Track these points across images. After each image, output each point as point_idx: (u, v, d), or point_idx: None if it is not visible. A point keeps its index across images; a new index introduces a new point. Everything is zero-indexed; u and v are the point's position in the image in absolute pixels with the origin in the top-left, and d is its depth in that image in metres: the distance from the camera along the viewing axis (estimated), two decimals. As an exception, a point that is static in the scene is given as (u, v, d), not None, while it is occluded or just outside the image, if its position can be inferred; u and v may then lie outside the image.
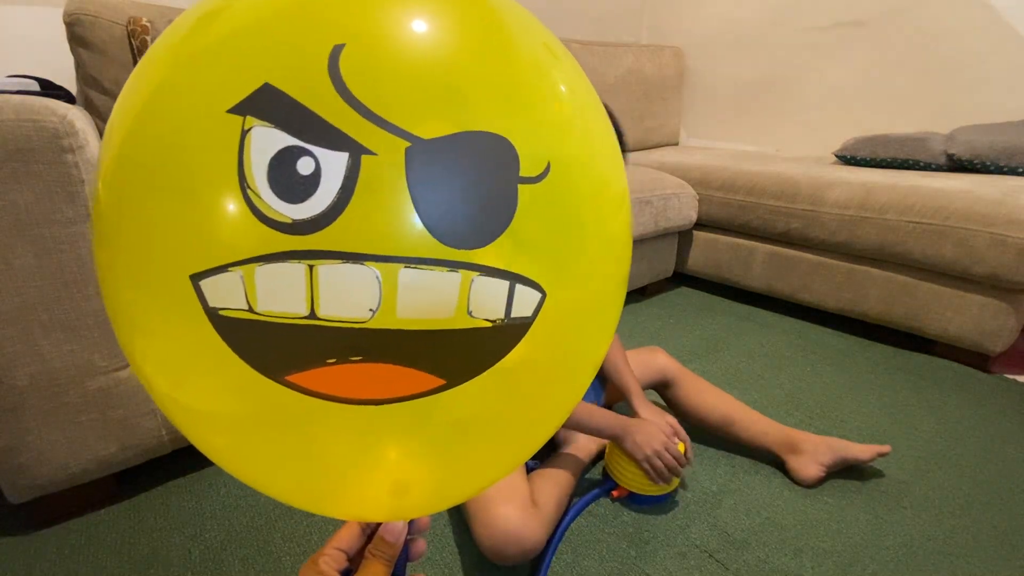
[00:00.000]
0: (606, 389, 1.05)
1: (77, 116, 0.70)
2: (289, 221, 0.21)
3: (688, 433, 0.86)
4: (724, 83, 2.32)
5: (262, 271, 0.22)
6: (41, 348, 0.71)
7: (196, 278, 0.22)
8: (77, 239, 0.70)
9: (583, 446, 0.92)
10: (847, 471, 0.92)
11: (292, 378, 0.23)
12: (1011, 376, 1.26)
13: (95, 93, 1.09)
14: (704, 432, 1.00)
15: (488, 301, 0.24)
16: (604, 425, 0.84)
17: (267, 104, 0.22)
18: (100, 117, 1.10)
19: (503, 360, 0.25)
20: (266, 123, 0.21)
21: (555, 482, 0.81)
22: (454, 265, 0.23)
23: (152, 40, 1.07)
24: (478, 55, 0.25)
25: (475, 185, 0.23)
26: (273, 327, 0.22)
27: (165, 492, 0.88)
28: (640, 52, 2.22)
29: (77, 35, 1.06)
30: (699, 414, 0.99)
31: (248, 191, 0.21)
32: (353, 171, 0.21)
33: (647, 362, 1.02)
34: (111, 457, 0.80)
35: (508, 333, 0.25)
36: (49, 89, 1.18)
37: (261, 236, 0.22)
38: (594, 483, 0.91)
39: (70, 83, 1.16)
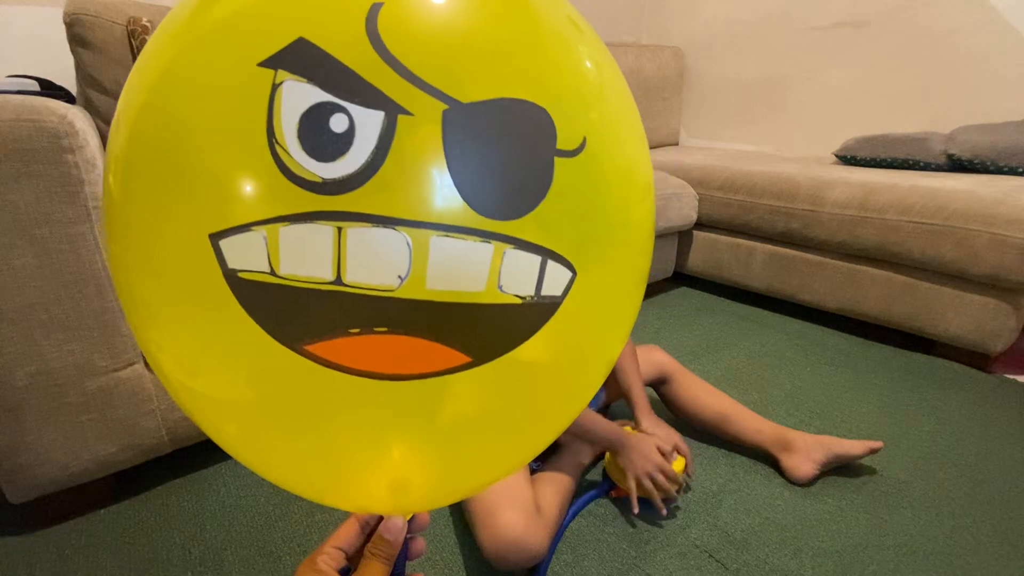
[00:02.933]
0: (607, 387, 1.05)
1: (77, 116, 0.70)
2: (319, 180, 0.20)
3: (684, 431, 0.86)
4: (724, 83, 2.32)
5: (287, 231, 0.21)
6: (41, 348, 0.71)
7: (216, 237, 0.21)
8: (77, 239, 0.70)
9: (584, 448, 0.92)
10: (846, 470, 0.92)
11: (312, 347, 0.22)
12: (1011, 376, 1.26)
13: (95, 93, 1.09)
14: (699, 430, 1.00)
15: (520, 276, 0.23)
16: (604, 435, 0.84)
17: (301, 58, 0.21)
18: (100, 117, 1.10)
19: (529, 340, 0.24)
20: (299, 78, 0.20)
21: (557, 487, 0.81)
22: (487, 236, 0.22)
23: (152, 40, 1.07)
24: (521, 26, 0.24)
25: (512, 154, 0.22)
26: (295, 292, 0.21)
27: (165, 492, 0.88)
28: (640, 52, 2.22)
29: (77, 35, 1.06)
30: (694, 411, 0.99)
31: (277, 146, 0.20)
32: (389, 131, 0.20)
33: (645, 359, 1.02)
34: (111, 457, 0.80)
35: (537, 312, 0.24)
36: (49, 89, 1.18)
37: (288, 194, 0.20)
38: (594, 483, 0.91)
39: (70, 83, 1.16)
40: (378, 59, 0.21)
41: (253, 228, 0.21)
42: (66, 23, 1.05)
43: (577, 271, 0.25)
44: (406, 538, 0.33)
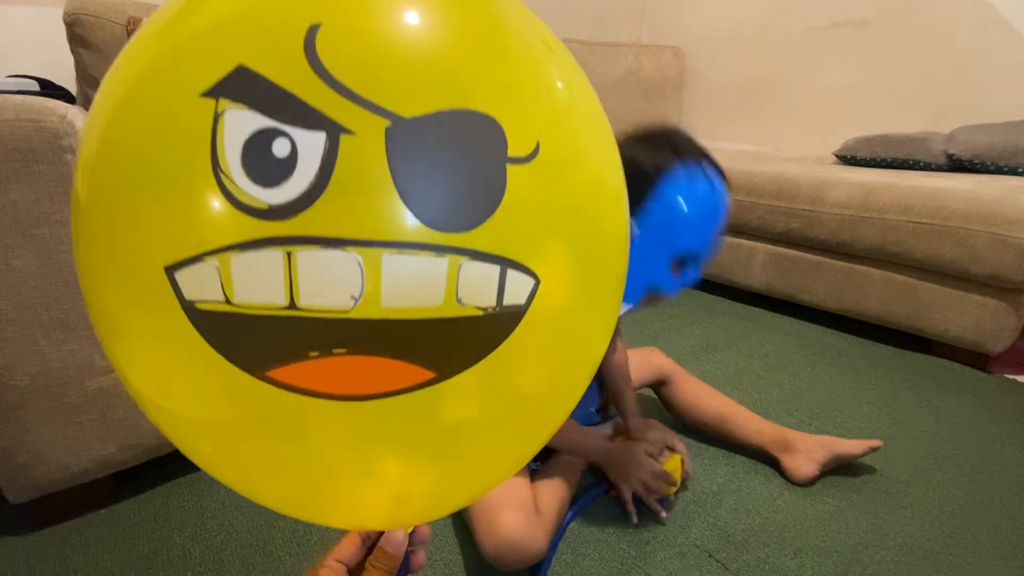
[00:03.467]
0: (602, 392, 1.05)
1: (77, 116, 0.70)
2: (265, 206, 0.20)
3: (683, 432, 0.86)
4: (724, 83, 2.32)
5: (238, 259, 0.21)
6: (41, 348, 0.71)
7: (171, 270, 0.21)
8: (77, 239, 0.70)
9: None
10: (845, 470, 0.92)
11: (273, 373, 0.22)
12: (1011, 376, 1.26)
13: (95, 93, 1.09)
14: (699, 431, 1.00)
15: (478, 287, 0.23)
16: (592, 452, 0.85)
17: (241, 85, 0.21)
18: (100, 117, 1.10)
19: (496, 351, 0.24)
20: (240, 105, 0.20)
21: (557, 487, 0.81)
22: (440, 249, 0.22)
23: (152, 40, 1.07)
24: (464, 36, 0.24)
25: (460, 164, 0.22)
26: (251, 319, 0.21)
27: (165, 492, 0.88)
28: (640, 52, 2.22)
29: (77, 35, 1.06)
30: (694, 412, 0.99)
31: (221, 176, 0.20)
32: (331, 152, 0.20)
33: (643, 361, 1.02)
34: (111, 457, 0.80)
35: (501, 322, 0.24)
36: (49, 89, 1.18)
37: (236, 222, 0.21)
38: (594, 483, 0.91)
39: (70, 83, 1.16)
40: (318, 80, 0.21)
41: (205, 258, 0.21)
42: (66, 23, 1.05)
43: (540, 278, 0.24)
44: (407, 551, 0.34)
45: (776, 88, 2.15)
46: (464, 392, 0.25)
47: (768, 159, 1.85)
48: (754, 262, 1.65)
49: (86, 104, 1.10)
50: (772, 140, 2.20)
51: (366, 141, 0.21)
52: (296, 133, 0.20)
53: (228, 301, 0.21)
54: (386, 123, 0.21)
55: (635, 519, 0.80)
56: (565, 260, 0.26)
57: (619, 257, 0.31)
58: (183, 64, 0.22)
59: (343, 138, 0.20)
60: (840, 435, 0.97)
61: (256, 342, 0.22)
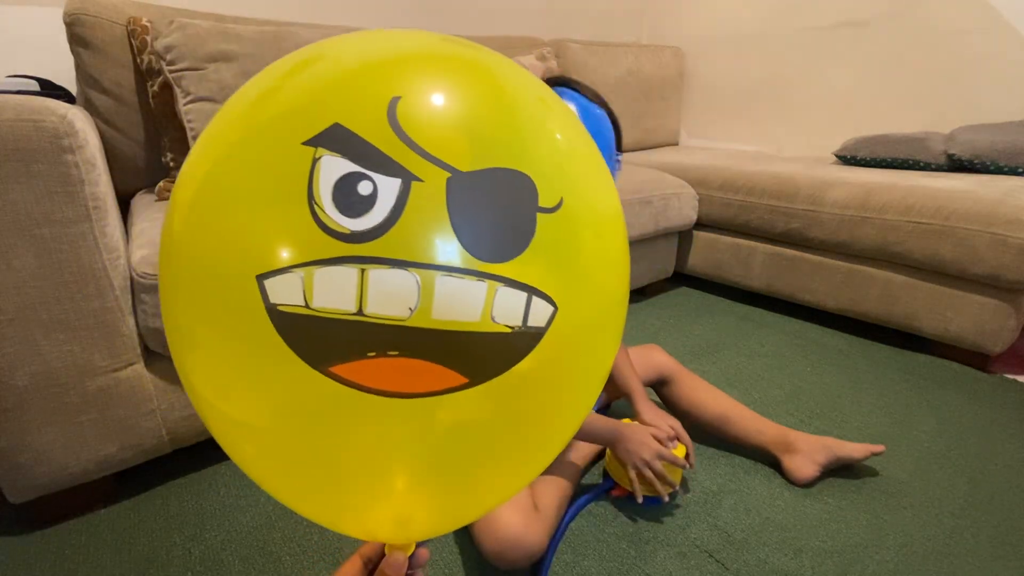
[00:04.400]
0: (606, 386, 1.05)
1: (77, 116, 0.70)
2: (347, 232, 0.25)
3: (684, 430, 0.86)
4: (724, 83, 2.32)
5: (321, 272, 0.26)
6: (41, 348, 0.71)
7: (262, 278, 0.26)
8: (77, 239, 0.70)
9: (581, 450, 0.92)
10: (845, 471, 0.92)
11: (336, 368, 0.26)
12: (1011, 376, 1.26)
13: (95, 93, 1.09)
14: (700, 430, 1.00)
15: (509, 309, 0.28)
16: (599, 431, 0.84)
17: (336, 138, 0.26)
18: (100, 117, 1.10)
19: (519, 365, 0.29)
20: (334, 153, 0.26)
21: (556, 486, 0.81)
22: (482, 275, 0.27)
23: (152, 40, 1.07)
24: (500, 110, 0.31)
25: (502, 210, 0.28)
26: (324, 321, 0.26)
27: (165, 492, 0.88)
28: (640, 52, 2.22)
29: (77, 35, 1.06)
30: (695, 412, 0.99)
31: (315, 206, 0.26)
32: (404, 194, 0.26)
33: (645, 360, 1.02)
34: (111, 457, 0.80)
35: (524, 340, 0.29)
36: (49, 89, 1.18)
37: (322, 243, 0.26)
38: (594, 483, 0.91)
39: (70, 83, 1.16)
40: (396, 139, 0.26)
41: (293, 270, 0.26)
42: (66, 23, 1.05)
43: (559, 306, 0.29)
44: (407, 574, 0.35)
45: (776, 88, 2.15)
46: (489, 398, 0.29)
47: (768, 159, 1.85)
48: (754, 262, 1.65)
49: (86, 104, 1.10)
50: (772, 140, 2.20)
51: (431, 187, 0.26)
52: (378, 177, 0.26)
53: (307, 305, 0.26)
54: (447, 174, 0.26)
55: (639, 499, 0.80)
56: (579, 289, 0.31)
57: (621, 278, 0.36)
58: (290, 119, 0.28)
59: (414, 184, 0.26)
60: (840, 435, 0.97)
61: (325, 340, 0.26)
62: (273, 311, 0.26)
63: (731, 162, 1.77)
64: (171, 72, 1.06)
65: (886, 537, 0.79)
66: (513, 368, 0.29)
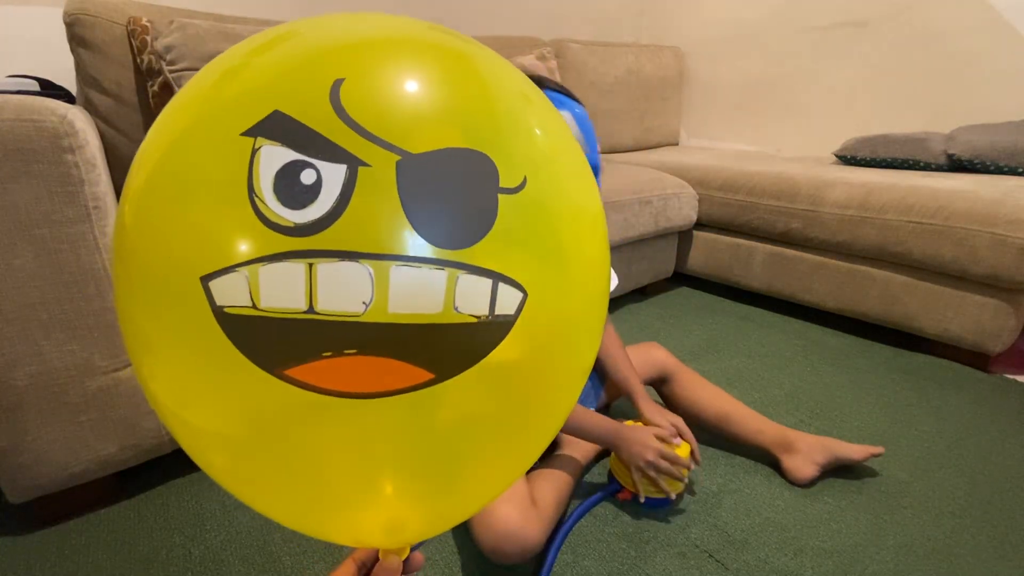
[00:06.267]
0: (605, 386, 1.05)
1: (77, 116, 0.70)
2: (291, 225, 0.24)
3: (688, 429, 0.86)
4: (724, 83, 2.32)
5: (266, 270, 0.24)
6: (41, 348, 0.71)
7: (206, 279, 0.24)
8: (77, 239, 0.70)
9: (582, 446, 0.92)
10: (846, 471, 0.92)
11: (291, 372, 0.25)
12: (1011, 376, 1.26)
13: (95, 93, 1.09)
14: (700, 429, 0.99)
15: (473, 297, 0.26)
16: (600, 432, 0.84)
17: (275, 126, 0.25)
18: (100, 117, 1.10)
19: (490, 356, 0.27)
20: (274, 142, 0.24)
21: (554, 481, 0.81)
22: (440, 263, 0.25)
23: (152, 40, 1.07)
24: (458, 89, 0.28)
25: (459, 192, 0.26)
26: (274, 322, 0.24)
27: (165, 492, 0.88)
28: (640, 52, 2.22)
29: (77, 35, 1.06)
30: (695, 410, 0.99)
31: (256, 199, 0.24)
32: (350, 180, 0.24)
33: (645, 357, 1.02)
34: (111, 457, 0.80)
35: (493, 330, 0.27)
36: (49, 89, 1.18)
37: (266, 238, 0.24)
38: (598, 485, 0.91)
39: (70, 83, 1.16)
40: (340, 122, 0.25)
41: (237, 269, 0.24)
42: (66, 23, 1.05)
43: (528, 292, 0.27)
44: None
45: (776, 88, 2.15)
46: (460, 393, 0.27)
47: (768, 159, 1.85)
48: (754, 262, 1.65)
49: (86, 104, 1.10)
50: (772, 140, 2.20)
51: (379, 172, 0.24)
52: (321, 165, 0.24)
53: (254, 306, 0.24)
54: (396, 157, 0.25)
55: (642, 499, 0.80)
56: (549, 277, 0.29)
57: (600, 275, 0.34)
58: (230, 109, 0.26)
59: (361, 169, 0.24)
60: (840, 435, 0.97)
61: (277, 342, 0.25)
62: (220, 314, 0.24)
63: (731, 162, 1.77)
64: (171, 72, 1.06)
65: (886, 537, 0.79)
66: (483, 360, 0.27)
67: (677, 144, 2.47)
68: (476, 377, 0.27)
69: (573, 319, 0.32)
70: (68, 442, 0.76)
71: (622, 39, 2.43)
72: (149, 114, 1.13)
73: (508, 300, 0.27)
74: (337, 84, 0.25)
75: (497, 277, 0.26)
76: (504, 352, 0.27)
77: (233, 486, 0.31)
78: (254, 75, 0.27)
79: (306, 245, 0.24)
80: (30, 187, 0.66)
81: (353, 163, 0.24)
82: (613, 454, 0.87)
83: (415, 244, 0.24)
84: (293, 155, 0.24)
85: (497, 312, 0.27)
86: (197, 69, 1.07)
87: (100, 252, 0.72)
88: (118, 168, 1.12)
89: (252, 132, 0.25)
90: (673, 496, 0.81)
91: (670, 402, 1.03)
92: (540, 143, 0.30)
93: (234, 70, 0.28)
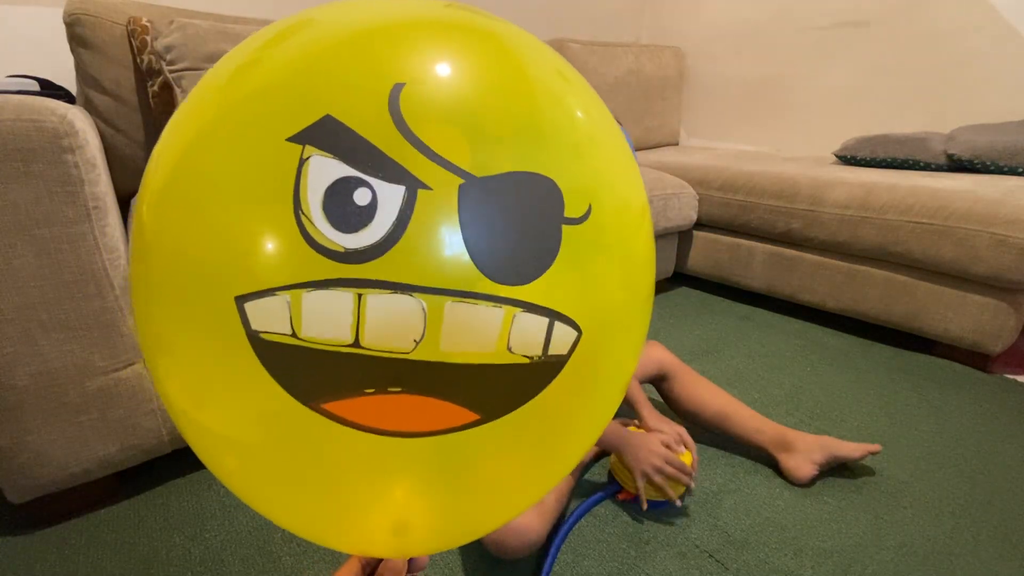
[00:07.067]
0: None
1: (77, 116, 0.70)
2: (341, 250, 0.21)
3: (684, 428, 0.86)
4: (724, 83, 2.32)
5: (310, 297, 0.22)
6: (41, 348, 0.71)
7: (241, 300, 0.22)
8: (77, 239, 0.70)
9: None
10: (846, 471, 0.92)
11: (328, 406, 0.23)
12: (1011, 376, 1.26)
13: (95, 93, 1.09)
14: (699, 428, 1.00)
15: (528, 337, 0.24)
16: (606, 436, 0.85)
17: (327, 135, 0.22)
18: (100, 117, 1.10)
19: (536, 398, 0.25)
20: (326, 153, 0.22)
21: None
22: (499, 300, 0.23)
23: (152, 40, 1.07)
24: (532, 107, 0.25)
25: (522, 224, 0.23)
26: (315, 353, 0.22)
27: (165, 492, 0.88)
28: (640, 52, 2.22)
29: (77, 35, 1.06)
30: (694, 409, 0.99)
31: (302, 217, 0.21)
32: (409, 204, 0.21)
33: (644, 356, 1.02)
34: (111, 457, 0.80)
35: (544, 370, 0.25)
36: (49, 89, 1.18)
37: (311, 262, 0.21)
38: (598, 485, 0.91)
39: (70, 83, 1.16)
40: (399, 136, 0.22)
41: (277, 293, 0.22)
42: (66, 23, 1.05)
43: (583, 330, 0.25)
44: None
45: (776, 88, 2.15)
46: (502, 434, 0.25)
47: (768, 159, 1.85)
48: (754, 262, 1.65)
49: (86, 104, 1.10)
50: (772, 140, 2.20)
51: (441, 197, 0.22)
52: (378, 184, 0.21)
53: (294, 335, 0.22)
54: (460, 181, 0.22)
55: (644, 505, 0.80)
56: (605, 308, 0.27)
57: (645, 309, 0.32)
58: (271, 105, 0.23)
59: (420, 192, 0.22)
60: (840, 435, 0.97)
61: (316, 375, 0.23)
62: (256, 339, 0.22)
63: (731, 162, 1.77)
64: (171, 72, 1.06)
65: (886, 537, 0.79)
66: (530, 401, 0.25)
67: (677, 144, 2.47)
68: (521, 418, 0.25)
69: (617, 355, 0.30)
70: (68, 442, 0.76)
71: (622, 39, 2.43)
72: (149, 114, 1.13)
73: (562, 339, 0.25)
74: (397, 89, 0.22)
75: (554, 315, 0.24)
76: (552, 393, 0.26)
77: (238, 488, 0.30)
78: (295, 63, 0.24)
79: (356, 274, 0.21)
80: (30, 187, 0.66)
81: (413, 185, 0.22)
82: (614, 455, 0.87)
83: (473, 279, 0.22)
84: (348, 170, 0.21)
85: (550, 352, 0.25)
86: (197, 69, 1.07)
87: (100, 252, 0.72)
88: (118, 168, 1.12)
89: (300, 139, 0.22)
90: (679, 502, 0.81)
91: (669, 400, 1.03)
92: (600, 150, 0.27)
93: (275, 41, 0.25)
